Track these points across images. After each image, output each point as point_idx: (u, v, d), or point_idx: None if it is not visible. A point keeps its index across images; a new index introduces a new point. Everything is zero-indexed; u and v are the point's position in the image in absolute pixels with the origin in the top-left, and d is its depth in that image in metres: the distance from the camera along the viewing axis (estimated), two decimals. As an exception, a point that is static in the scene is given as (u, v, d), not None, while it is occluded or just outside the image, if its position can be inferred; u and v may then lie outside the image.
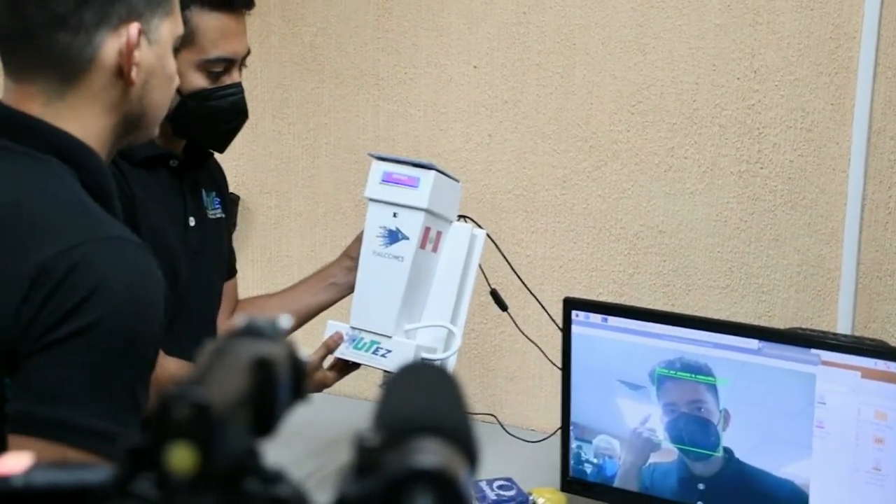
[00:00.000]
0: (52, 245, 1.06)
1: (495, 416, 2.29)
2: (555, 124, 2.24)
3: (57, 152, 1.14)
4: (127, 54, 1.15)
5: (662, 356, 1.71)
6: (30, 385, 1.04)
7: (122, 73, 1.16)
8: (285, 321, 0.60)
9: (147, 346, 1.09)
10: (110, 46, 1.14)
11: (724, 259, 2.15)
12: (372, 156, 1.77)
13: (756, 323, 2.05)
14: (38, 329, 1.04)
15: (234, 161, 2.52)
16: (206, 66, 1.63)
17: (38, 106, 1.15)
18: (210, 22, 1.61)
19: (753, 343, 1.64)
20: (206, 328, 1.79)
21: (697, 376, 1.68)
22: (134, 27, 1.15)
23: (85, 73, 1.15)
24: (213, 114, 1.65)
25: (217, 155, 1.81)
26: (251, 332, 0.58)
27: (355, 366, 1.78)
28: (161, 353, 1.27)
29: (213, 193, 1.83)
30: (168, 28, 1.20)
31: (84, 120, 1.16)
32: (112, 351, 1.05)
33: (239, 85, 1.68)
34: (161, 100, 1.22)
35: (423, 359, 1.69)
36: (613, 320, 1.75)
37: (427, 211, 1.69)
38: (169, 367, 1.51)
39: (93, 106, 1.16)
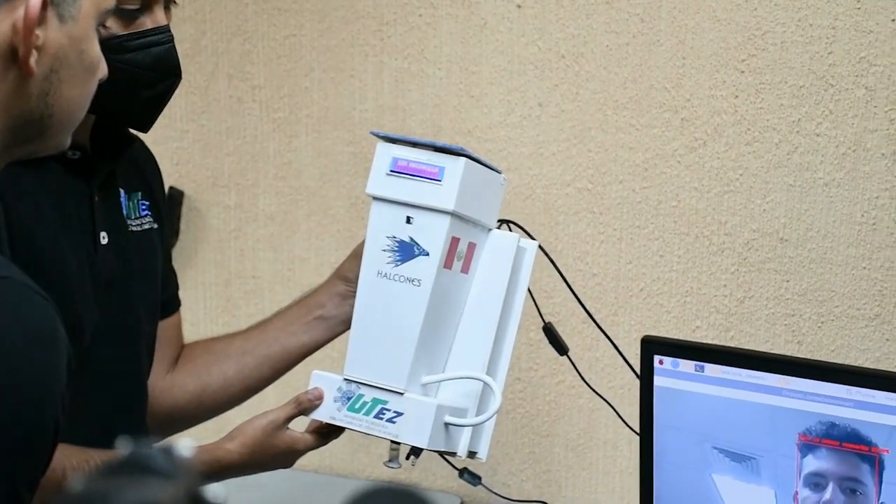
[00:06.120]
0: None
1: None
2: (632, 88, 2.25)
3: None
4: (24, 33, 1.15)
5: (796, 421, 1.70)
6: None
7: (16, 58, 1.16)
8: (186, 449, 0.58)
9: (44, 430, 1.10)
10: (2, 20, 1.15)
11: (872, 278, 2.16)
12: (377, 136, 1.77)
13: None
14: None
15: (175, 143, 2.54)
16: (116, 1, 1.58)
17: None
18: None
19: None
20: (129, 394, 1.77)
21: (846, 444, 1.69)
22: None
23: None
24: (129, 73, 1.62)
25: (145, 137, 1.80)
26: (135, 467, 0.57)
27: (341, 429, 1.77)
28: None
29: (139, 195, 1.83)
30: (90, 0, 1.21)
31: None
32: None
33: (165, 29, 1.67)
34: (76, 98, 1.24)
35: (448, 424, 1.70)
36: (713, 369, 1.75)
37: (454, 214, 1.70)
38: (67, 459, 1.52)
39: None
